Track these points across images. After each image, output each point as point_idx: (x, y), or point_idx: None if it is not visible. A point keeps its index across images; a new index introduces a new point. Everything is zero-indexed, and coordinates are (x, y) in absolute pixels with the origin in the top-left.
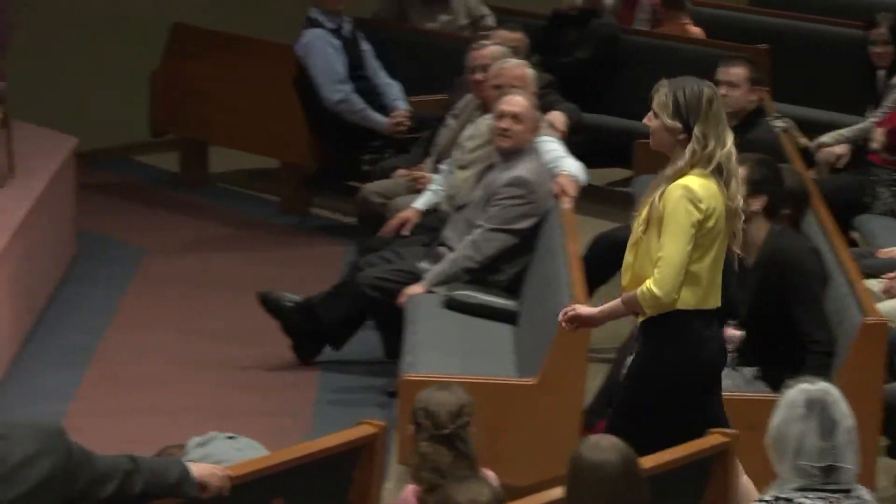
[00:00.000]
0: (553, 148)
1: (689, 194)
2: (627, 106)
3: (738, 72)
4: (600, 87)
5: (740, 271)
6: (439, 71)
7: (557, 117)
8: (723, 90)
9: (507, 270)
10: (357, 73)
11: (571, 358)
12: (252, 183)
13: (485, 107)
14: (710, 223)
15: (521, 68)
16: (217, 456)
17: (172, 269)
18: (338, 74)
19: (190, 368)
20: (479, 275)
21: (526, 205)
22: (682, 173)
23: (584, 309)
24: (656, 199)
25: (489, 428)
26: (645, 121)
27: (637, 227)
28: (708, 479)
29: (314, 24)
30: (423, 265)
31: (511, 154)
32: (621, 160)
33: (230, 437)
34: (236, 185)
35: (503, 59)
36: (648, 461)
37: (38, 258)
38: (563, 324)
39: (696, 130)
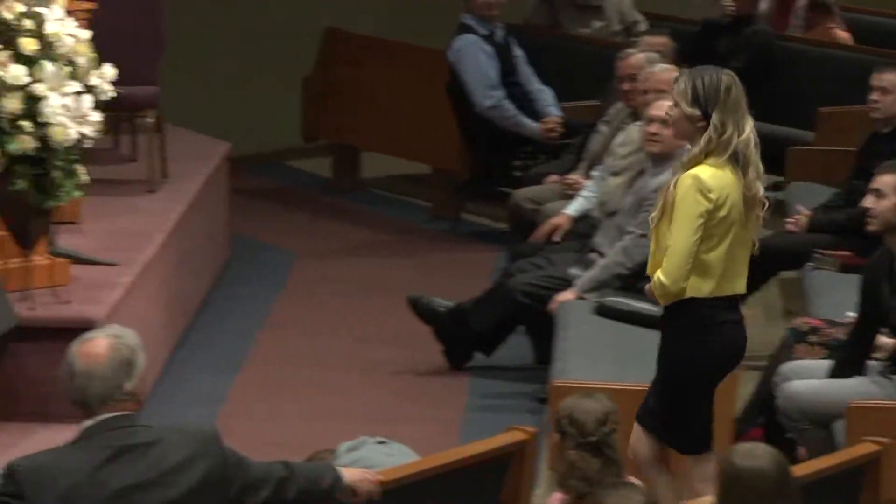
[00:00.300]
0: None
1: (698, 184)
2: (779, 112)
3: (891, 78)
4: (752, 94)
5: (893, 280)
6: (592, 77)
7: None
8: (875, 95)
9: None
10: (509, 79)
11: None
12: (403, 188)
13: (635, 114)
14: (722, 213)
15: (669, 73)
16: (367, 461)
17: (324, 273)
18: (490, 80)
19: (341, 373)
20: (629, 281)
21: None
22: (696, 161)
23: None
24: (671, 186)
25: None
26: (666, 110)
27: (655, 214)
28: (860, 489)
29: (466, 29)
30: (574, 271)
31: (662, 160)
32: (774, 166)
33: (381, 442)
34: (388, 190)
35: (650, 65)
36: (800, 469)
37: (191, 262)
38: None
39: (714, 117)
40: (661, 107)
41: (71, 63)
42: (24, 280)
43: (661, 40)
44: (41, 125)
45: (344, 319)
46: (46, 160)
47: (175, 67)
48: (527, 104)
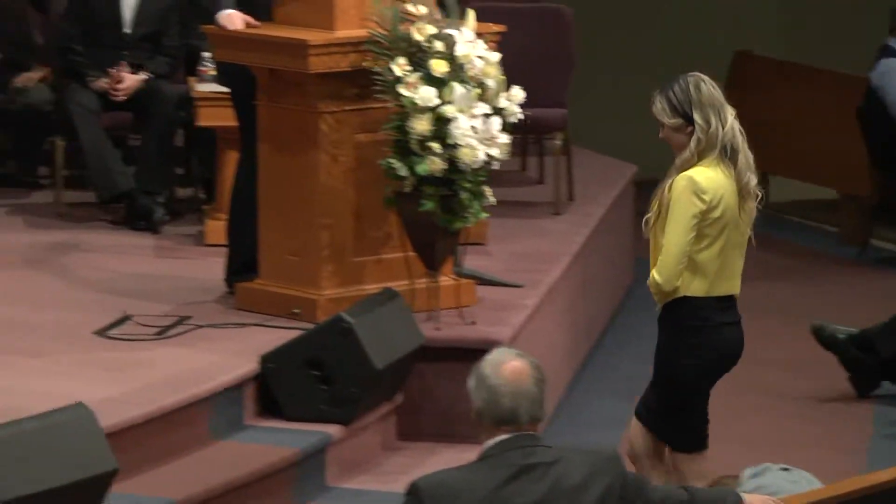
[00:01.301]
0: None
1: (692, 185)
2: None
3: None
4: None
5: None
6: None
7: None
8: None
9: None
10: None
11: None
12: (811, 213)
13: None
14: (716, 213)
15: None
16: (771, 487)
17: None
18: None
19: (744, 397)
20: None
21: None
22: (689, 164)
23: None
24: (666, 188)
25: None
26: (660, 136)
27: (651, 217)
28: None
29: (892, 52)
30: None
31: None
32: None
33: (784, 469)
34: (795, 215)
35: None
36: None
37: (595, 284)
38: None
39: (696, 117)
40: None
41: (480, 85)
42: (430, 300)
43: None
44: (450, 146)
45: (748, 343)
46: (454, 181)
47: (582, 90)
48: None
